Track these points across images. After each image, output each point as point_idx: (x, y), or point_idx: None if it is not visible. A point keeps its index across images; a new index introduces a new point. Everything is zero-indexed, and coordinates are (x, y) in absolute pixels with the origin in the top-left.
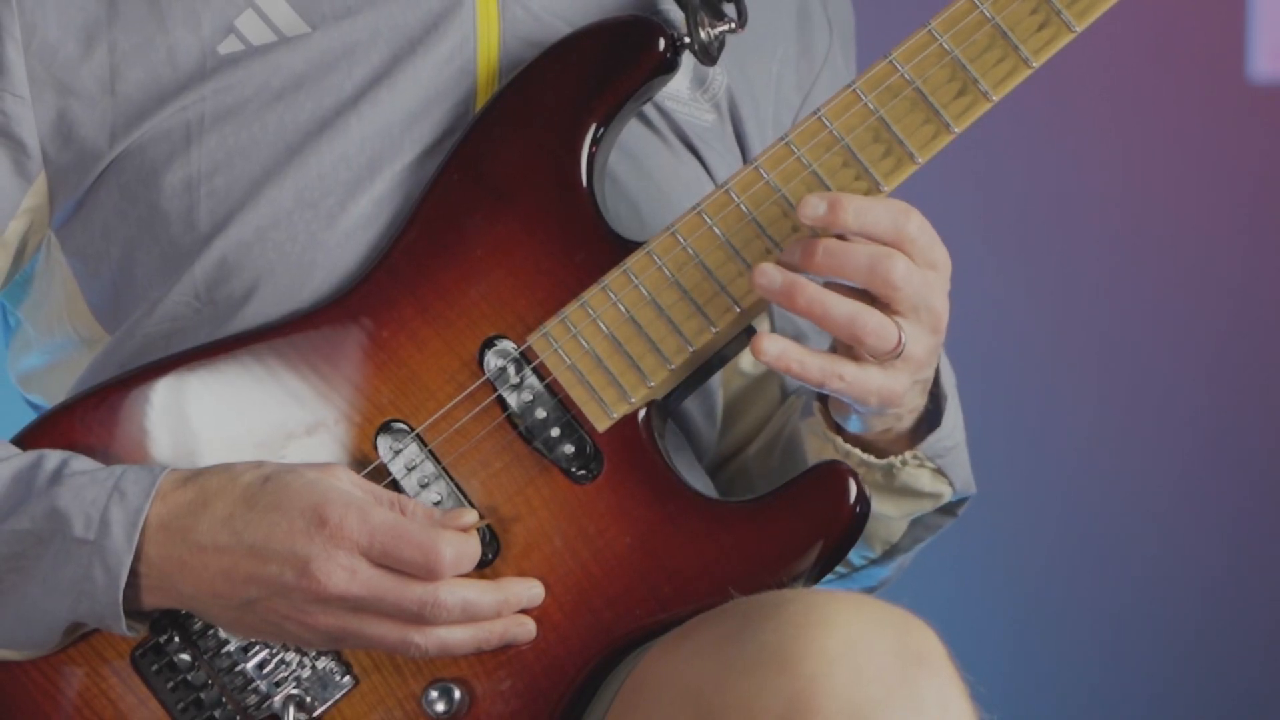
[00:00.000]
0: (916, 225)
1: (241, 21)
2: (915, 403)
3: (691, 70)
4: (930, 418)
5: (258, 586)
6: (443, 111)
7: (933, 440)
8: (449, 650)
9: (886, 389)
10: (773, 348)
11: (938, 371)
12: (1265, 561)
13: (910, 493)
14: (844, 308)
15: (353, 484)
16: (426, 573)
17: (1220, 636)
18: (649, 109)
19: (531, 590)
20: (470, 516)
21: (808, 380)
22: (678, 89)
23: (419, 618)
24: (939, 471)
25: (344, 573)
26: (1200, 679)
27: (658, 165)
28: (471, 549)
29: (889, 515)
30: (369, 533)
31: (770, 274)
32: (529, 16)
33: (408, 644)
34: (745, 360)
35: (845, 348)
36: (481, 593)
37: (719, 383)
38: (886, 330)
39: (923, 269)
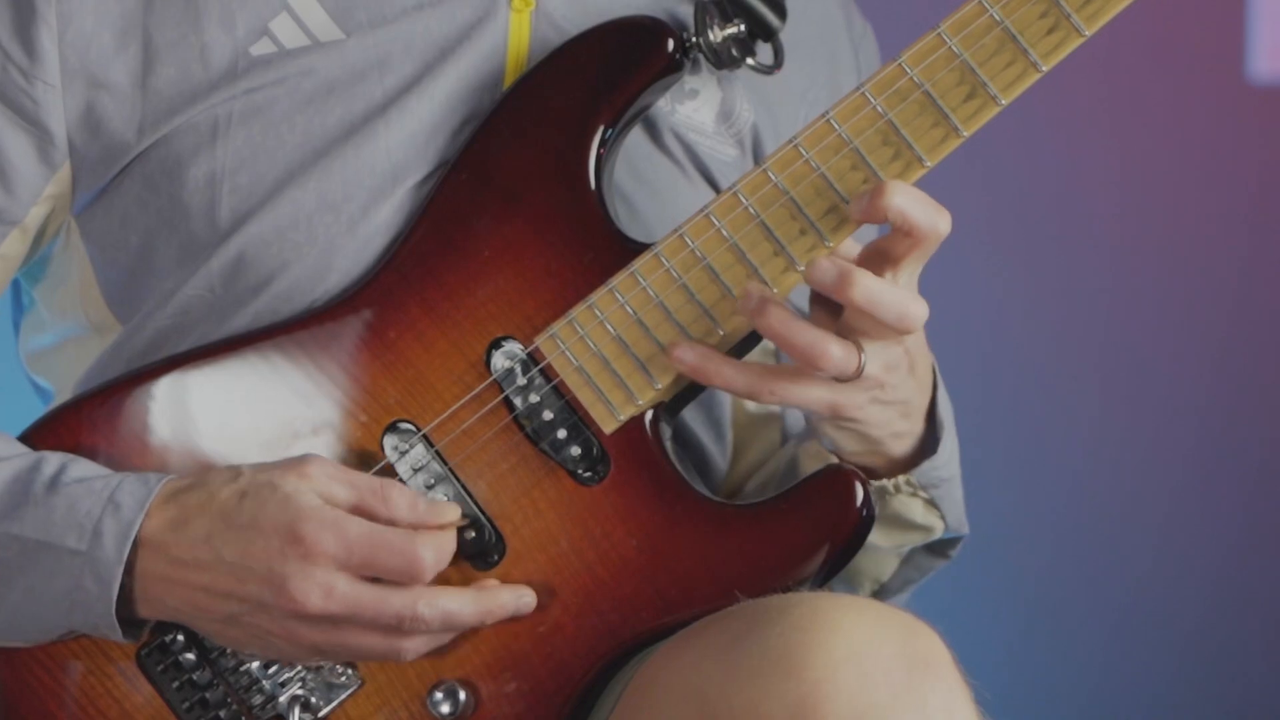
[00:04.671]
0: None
1: (276, 24)
2: (894, 427)
3: (718, 104)
4: (927, 446)
5: (238, 603)
6: (466, 122)
7: (927, 467)
8: (432, 648)
9: (833, 402)
10: (689, 355)
11: (935, 401)
12: (1265, 561)
13: (901, 523)
14: (805, 336)
15: (328, 478)
16: (407, 578)
17: (1222, 640)
18: (670, 139)
19: (521, 599)
20: (451, 513)
21: (734, 392)
22: (703, 121)
23: (398, 630)
24: (931, 504)
25: (320, 590)
26: (1202, 683)
27: (674, 195)
28: (449, 547)
29: (879, 546)
30: (346, 546)
31: (750, 293)
32: (558, 35)
33: (390, 653)
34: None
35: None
36: (463, 603)
37: (729, 414)
38: (849, 359)
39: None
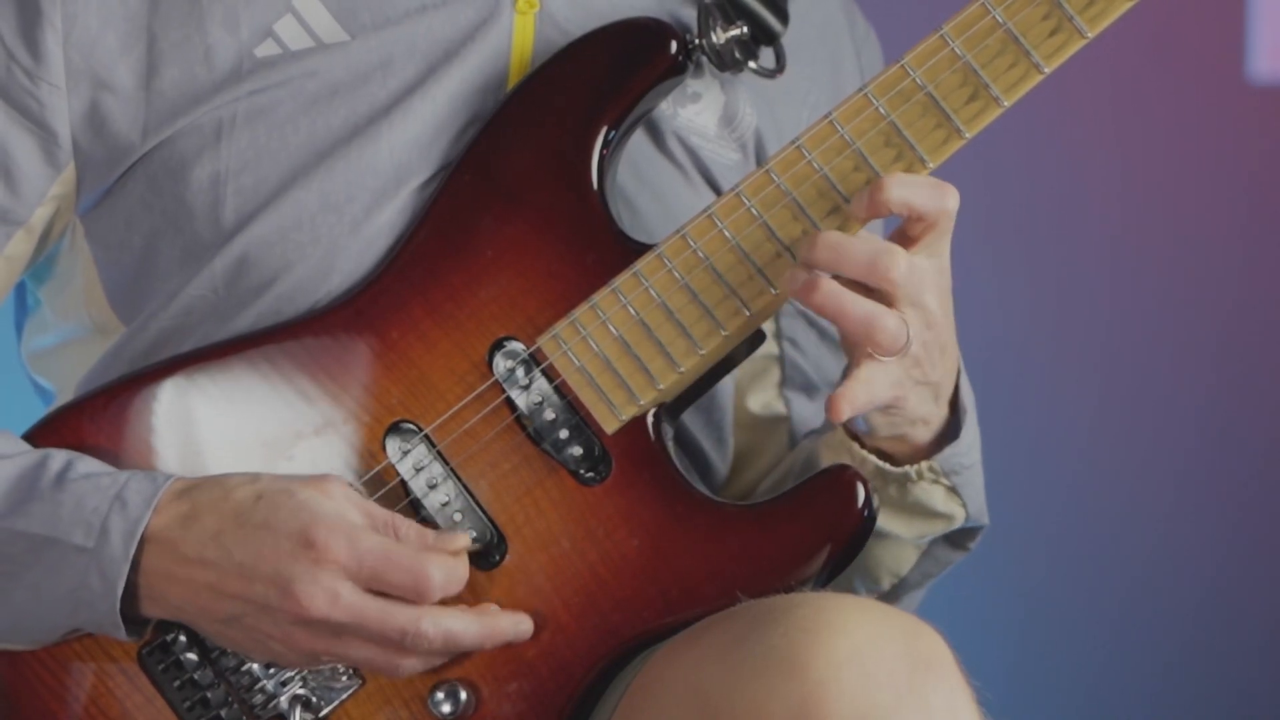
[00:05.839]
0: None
1: (280, 26)
2: (925, 409)
3: (721, 108)
4: (949, 432)
5: (242, 604)
6: (470, 124)
7: (950, 453)
8: (428, 667)
9: (898, 382)
10: (848, 408)
11: (958, 388)
12: (1264, 561)
13: (923, 511)
14: (860, 307)
15: (346, 499)
16: (415, 596)
17: (1221, 639)
18: (672, 142)
19: (519, 627)
20: (462, 540)
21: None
22: (706, 125)
23: (400, 645)
24: (953, 491)
25: (326, 596)
26: (1202, 683)
27: (677, 200)
28: (461, 572)
29: (900, 536)
30: (357, 556)
31: (794, 274)
32: (562, 37)
33: (389, 667)
34: (754, 402)
35: (850, 346)
36: (466, 625)
37: (730, 419)
38: (901, 330)
39: (918, 265)
